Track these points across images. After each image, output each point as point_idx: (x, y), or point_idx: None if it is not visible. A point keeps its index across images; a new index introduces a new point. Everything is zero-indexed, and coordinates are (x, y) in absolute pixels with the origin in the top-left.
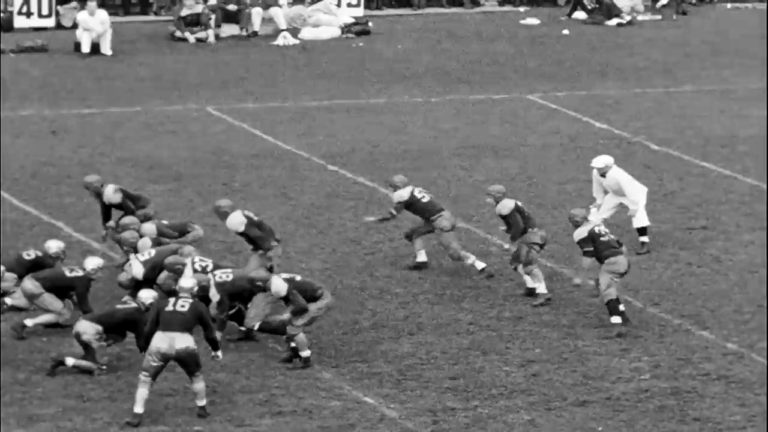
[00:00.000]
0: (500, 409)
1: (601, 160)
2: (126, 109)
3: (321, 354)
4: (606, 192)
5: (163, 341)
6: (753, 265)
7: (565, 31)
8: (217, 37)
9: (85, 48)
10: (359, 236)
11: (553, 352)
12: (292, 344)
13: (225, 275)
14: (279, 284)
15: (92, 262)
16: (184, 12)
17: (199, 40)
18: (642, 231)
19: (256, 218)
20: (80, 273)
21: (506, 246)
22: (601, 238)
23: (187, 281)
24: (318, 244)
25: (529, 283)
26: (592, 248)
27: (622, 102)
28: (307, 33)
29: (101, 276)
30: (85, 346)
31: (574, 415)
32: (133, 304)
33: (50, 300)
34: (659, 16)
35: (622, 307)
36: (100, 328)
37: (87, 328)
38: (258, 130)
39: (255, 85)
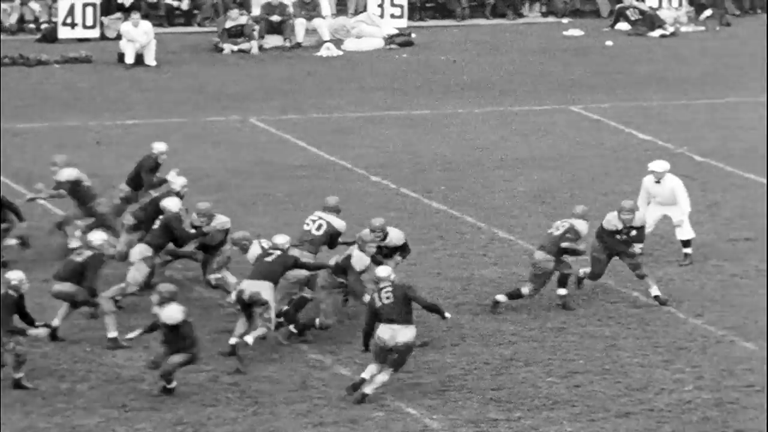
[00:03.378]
0: (543, 420)
1: (660, 164)
2: (170, 120)
3: (364, 365)
4: (649, 203)
5: (385, 331)
6: None
7: (609, 43)
8: (260, 48)
9: (129, 59)
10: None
11: (596, 363)
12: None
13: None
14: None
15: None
16: (229, 24)
17: (242, 51)
18: (686, 243)
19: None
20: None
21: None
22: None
23: (383, 270)
24: None
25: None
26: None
27: (666, 113)
28: (350, 44)
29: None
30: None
31: (617, 427)
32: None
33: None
34: (703, 27)
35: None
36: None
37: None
38: (301, 141)
39: (298, 97)
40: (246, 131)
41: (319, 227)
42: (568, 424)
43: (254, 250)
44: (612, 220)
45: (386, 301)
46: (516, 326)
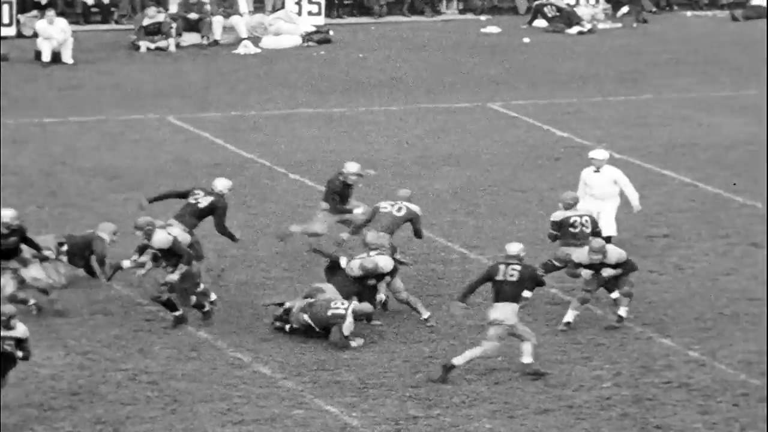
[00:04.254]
0: (462, 417)
1: (600, 153)
2: (87, 119)
3: (284, 362)
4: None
5: (492, 311)
6: (714, 273)
7: (526, 40)
8: (178, 45)
9: (46, 57)
10: (318, 244)
11: (515, 360)
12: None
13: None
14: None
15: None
16: (146, 22)
17: (159, 48)
18: (607, 239)
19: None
20: None
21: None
22: (570, 228)
23: (514, 247)
24: (280, 252)
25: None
26: (558, 232)
27: (583, 110)
28: (268, 41)
29: None
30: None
31: (536, 424)
32: None
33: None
34: (620, 24)
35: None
36: None
37: None
38: (219, 139)
39: (216, 94)
40: (163, 129)
41: (399, 209)
42: (487, 421)
43: (159, 237)
44: (582, 257)
45: (509, 278)
46: (435, 324)
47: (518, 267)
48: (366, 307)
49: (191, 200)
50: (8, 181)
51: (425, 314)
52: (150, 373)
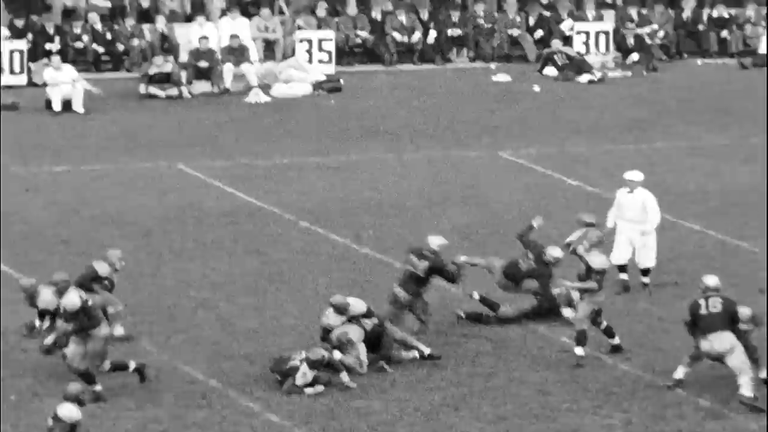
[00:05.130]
0: None
1: (635, 174)
2: (98, 167)
3: (294, 410)
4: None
5: (704, 344)
6: None
7: (536, 88)
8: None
9: (56, 106)
10: (331, 292)
11: (525, 408)
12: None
13: None
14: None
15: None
16: (153, 70)
17: (170, 97)
18: (645, 271)
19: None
20: None
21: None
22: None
23: (712, 279)
24: (290, 300)
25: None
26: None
27: (594, 158)
28: (278, 90)
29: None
30: None
31: None
32: None
33: None
34: (630, 73)
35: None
36: None
37: None
38: (229, 187)
39: (226, 142)
40: (174, 177)
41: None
42: None
43: (71, 298)
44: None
45: (713, 310)
46: (445, 372)
47: (720, 298)
48: (317, 353)
49: (409, 267)
50: (20, 230)
51: (426, 350)
52: (160, 422)
